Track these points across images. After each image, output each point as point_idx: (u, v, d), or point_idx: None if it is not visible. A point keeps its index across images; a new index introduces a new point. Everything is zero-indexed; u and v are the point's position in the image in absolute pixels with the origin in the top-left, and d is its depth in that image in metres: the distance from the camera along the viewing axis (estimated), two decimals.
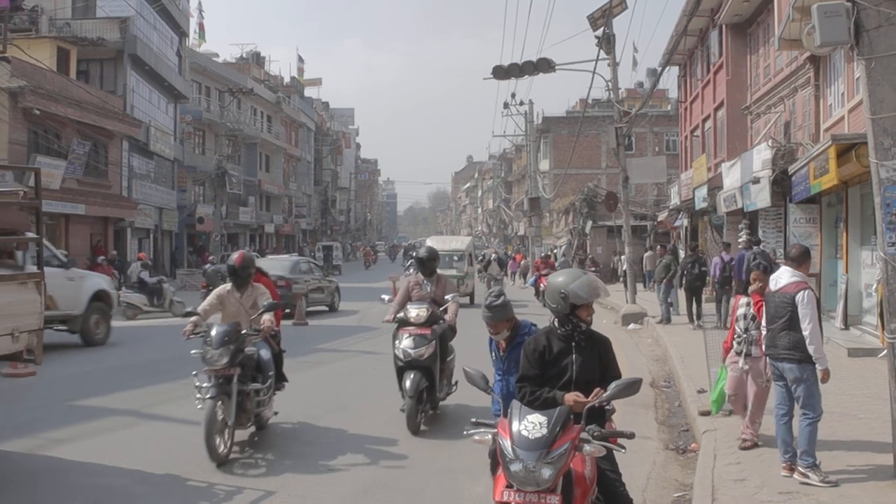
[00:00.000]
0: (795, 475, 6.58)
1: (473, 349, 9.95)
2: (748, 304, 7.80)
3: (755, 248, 18.95)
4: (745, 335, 7.73)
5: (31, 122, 28.40)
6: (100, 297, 17.22)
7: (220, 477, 7.18)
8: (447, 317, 9.22)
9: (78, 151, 30.59)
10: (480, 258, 39.38)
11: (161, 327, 20.49)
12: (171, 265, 41.76)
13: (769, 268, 8.04)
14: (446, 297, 9.40)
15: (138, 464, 7.54)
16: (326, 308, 25.40)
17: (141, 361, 14.71)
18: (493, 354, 6.24)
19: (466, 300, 26.74)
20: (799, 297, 6.67)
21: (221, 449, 7.45)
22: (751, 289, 7.76)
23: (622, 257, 34.47)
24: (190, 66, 46.24)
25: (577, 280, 4.66)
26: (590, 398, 4.39)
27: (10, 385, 11.90)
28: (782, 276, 6.95)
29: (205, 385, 7.62)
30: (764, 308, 7.17)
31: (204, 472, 7.29)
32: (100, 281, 18.09)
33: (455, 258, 28.38)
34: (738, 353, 7.78)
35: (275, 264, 23.06)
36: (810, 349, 6.57)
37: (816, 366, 6.57)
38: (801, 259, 6.99)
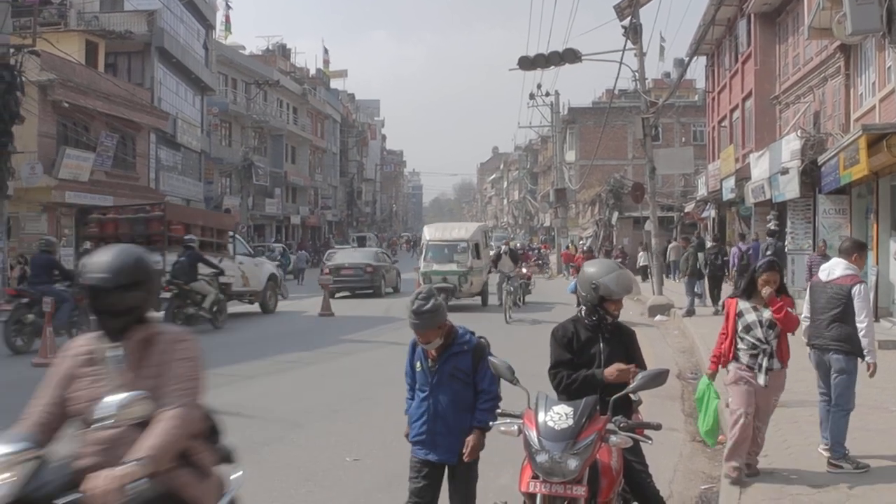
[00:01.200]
0: (828, 467, 6.64)
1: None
2: (754, 309, 6.53)
3: (769, 238, 19.68)
4: (765, 345, 6.46)
5: (60, 115, 28.67)
6: (272, 277, 22.79)
7: (246, 466, 7.21)
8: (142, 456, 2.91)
9: (106, 144, 30.85)
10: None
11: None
12: None
13: (778, 264, 6.72)
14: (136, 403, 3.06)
15: None
16: (392, 289, 29.26)
17: None
18: (420, 364, 4.80)
19: (476, 300, 23.97)
20: (855, 290, 6.74)
21: None
22: (765, 293, 6.42)
23: (640, 254, 34.46)
24: (216, 59, 46.49)
25: (610, 273, 4.62)
26: (626, 367, 4.44)
27: (42, 374, 12.08)
28: (836, 268, 7.00)
29: None
30: (809, 297, 7.19)
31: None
32: (271, 266, 23.65)
33: (457, 250, 23.41)
34: (751, 367, 6.50)
35: (357, 255, 30.31)
36: (864, 342, 6.63)
37: (867, 359, 6.64)
38: (850, 251, 7.08)
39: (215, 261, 18.49)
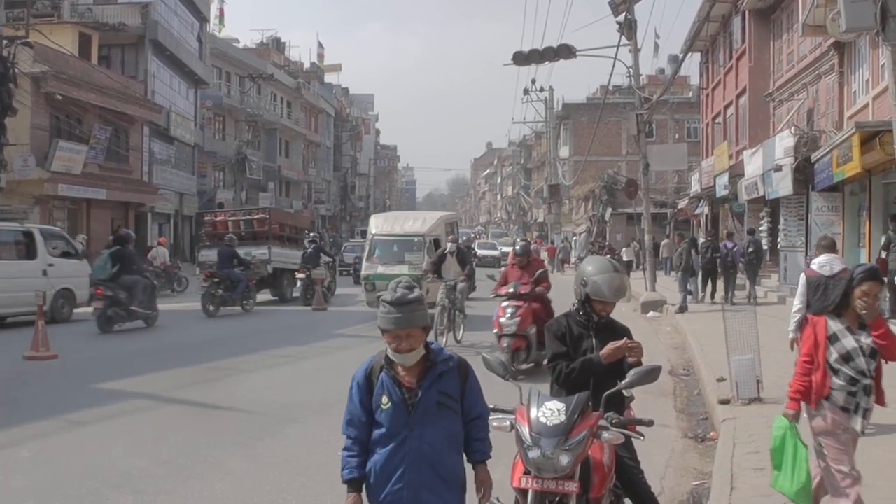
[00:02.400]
0: None
1: None
2: (847, 330, 5.05)
3: (748, 237, 21.00)
4: (867, 380, 4.98)
5: (53, 107, 28.60)
6: (332, 266, 25.64)
7: (239, 461, 7.23)
8: None
9: (99, 136, 30.77)
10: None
11: (183, 311, 20.61)
12: (192, 250, 42.02)
13: (879, 273, 6.03)
14: None
15: (158, 446, 7.61)
16: None
17: (163, 345, 14.83)
18: (387, 399, 3.62)
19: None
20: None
21: None
22: (867, 312, 5.04)
23: (624, 249, 34.71)
24: (210, 52, 46.40)
25: (604, 274, 4.59)
26: (620, 343, 4.46)
27: (34, 367, 12.05)
28: (834, 263, 7.84)
29: None
30: (804, 290, 7.91)
31: (223, 454, 7.35)
32: (327, 257, 25.71)
33: (411, 247, 18.42)
34: (846, 409, 4.98)
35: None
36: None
37: None
38: (834, 247, 8.25)
39: (331, 252, 24.48)
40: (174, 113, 38.91)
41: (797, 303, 8.07)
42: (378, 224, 19.58)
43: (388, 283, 11.50)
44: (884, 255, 14.34)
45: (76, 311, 18.65)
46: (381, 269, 17.70)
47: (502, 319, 11.81)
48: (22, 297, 16.85)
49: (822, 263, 7.89)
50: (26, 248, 17.68)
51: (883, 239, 14.46)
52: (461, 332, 14.96)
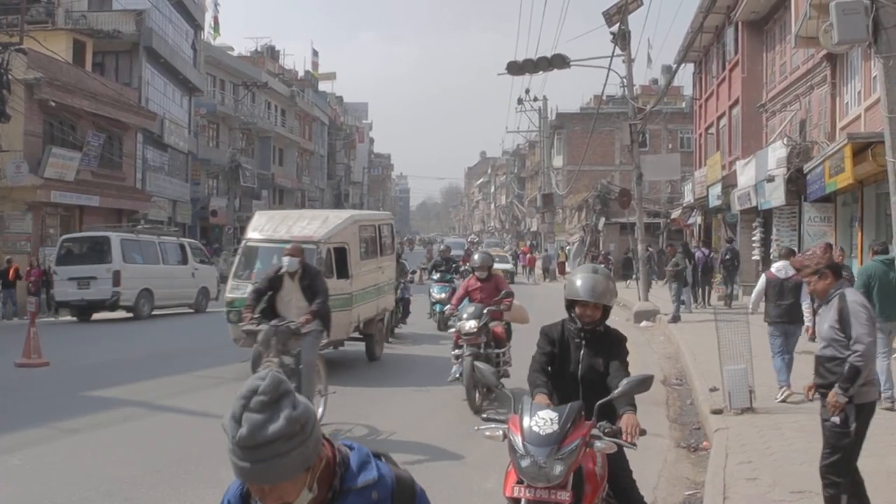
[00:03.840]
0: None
1: None
2: None
3: (726, 244, 23.25)
4: None
5: (46, 114, 28.51)
6: None
7: (230, 469, 7.19)
8: None
9: (93, 143, 30.69)
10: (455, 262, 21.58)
11: (176, 319, 20.58)
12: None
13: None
14: None
15: (149, 454, 7.58)
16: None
17: (154, 352, 14.78)
18: None
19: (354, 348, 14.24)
20: (804, 282, 9.48)
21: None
22: None
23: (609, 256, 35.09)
24: (205, 60, 46.36)
25: (583, 274, 4.61)
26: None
27: (25, 375, 12.01)
28: (789, 269, 9.58)
29: None
30: (764, 289, 9.89)
31: (214, 462, 7.33)
32: None
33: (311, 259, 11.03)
34: None
35: None
36: (808, 315, 9.40)
37: (808, 324, 9.41)
38: (790, 255, 10.04)
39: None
40: (168, 120, 38.85)
41: (754, 296, 10.40)
42: (259, 225, 13.21)
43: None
44: None
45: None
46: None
47: None
48: (178, 293, 23.32)
49: (780, 268, 9.87)
50: (181, 256, 23.67)
51: None
52: (320, 410, 8.68)
